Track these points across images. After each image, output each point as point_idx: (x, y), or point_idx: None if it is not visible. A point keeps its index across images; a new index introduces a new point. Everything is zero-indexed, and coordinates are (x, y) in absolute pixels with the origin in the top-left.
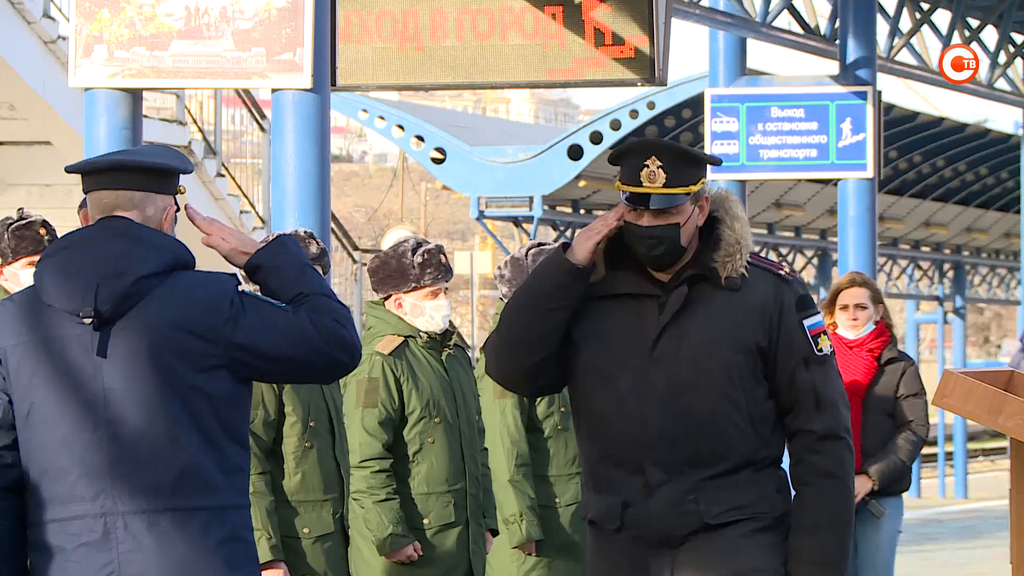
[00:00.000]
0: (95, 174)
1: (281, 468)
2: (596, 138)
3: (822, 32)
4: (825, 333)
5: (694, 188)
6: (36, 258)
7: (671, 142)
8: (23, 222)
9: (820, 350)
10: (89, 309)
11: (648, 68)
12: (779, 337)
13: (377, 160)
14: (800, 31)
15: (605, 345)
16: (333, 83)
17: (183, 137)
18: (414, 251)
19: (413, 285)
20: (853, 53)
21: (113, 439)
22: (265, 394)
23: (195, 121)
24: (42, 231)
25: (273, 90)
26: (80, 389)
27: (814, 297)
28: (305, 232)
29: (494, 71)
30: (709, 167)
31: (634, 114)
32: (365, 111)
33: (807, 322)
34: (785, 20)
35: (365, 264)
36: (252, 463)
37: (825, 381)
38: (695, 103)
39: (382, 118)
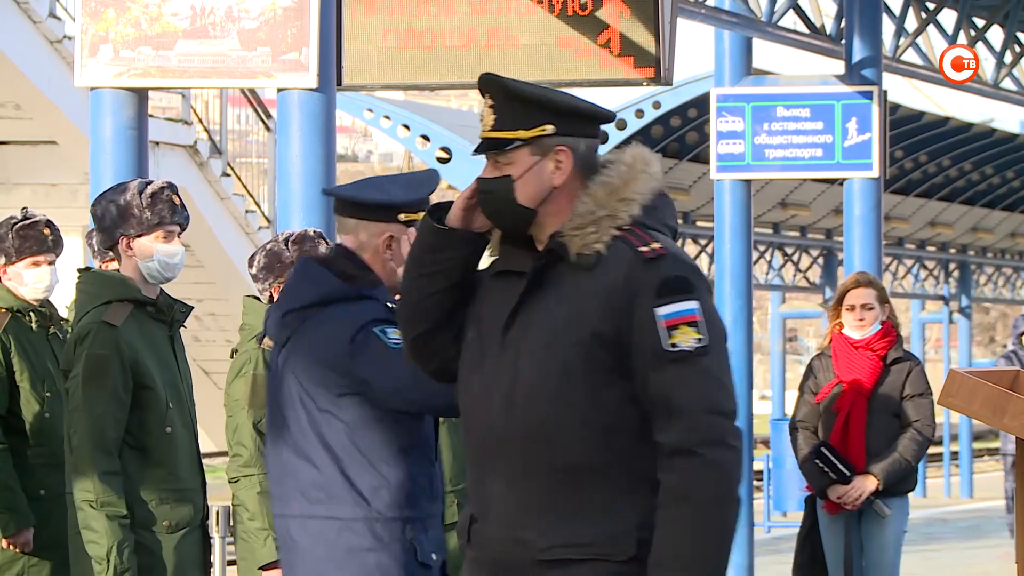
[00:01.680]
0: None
1: None
2: (601, 137)
3: (828, 32)
4: (693, 324)
5: (526, 133)
6: (40, 258)
7: (509, 79)
8: (27, 222)
9: (674, 345)
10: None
11: (654, 68)
12: (631, 328)
13: (383, 160)
14: (806, 31)
15: (477, 331)
16: (339, 82)
17: (189, 137)
18: None
19: None
20: (859, 53)
21: (277, 450)
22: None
23: (201, 120)
24: (46, 231)
25: (279, 89)
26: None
27: (819, 297)
28: (315, 232)
29: (500, 70)
30: (569, 116)
31: (639, 114)
32: (370, 110)
33: (662, 311)
34: (791, 20)
35: None
36: (259, 462)
37: (681, 384)
38: (701, 103)
39: (387, 117)
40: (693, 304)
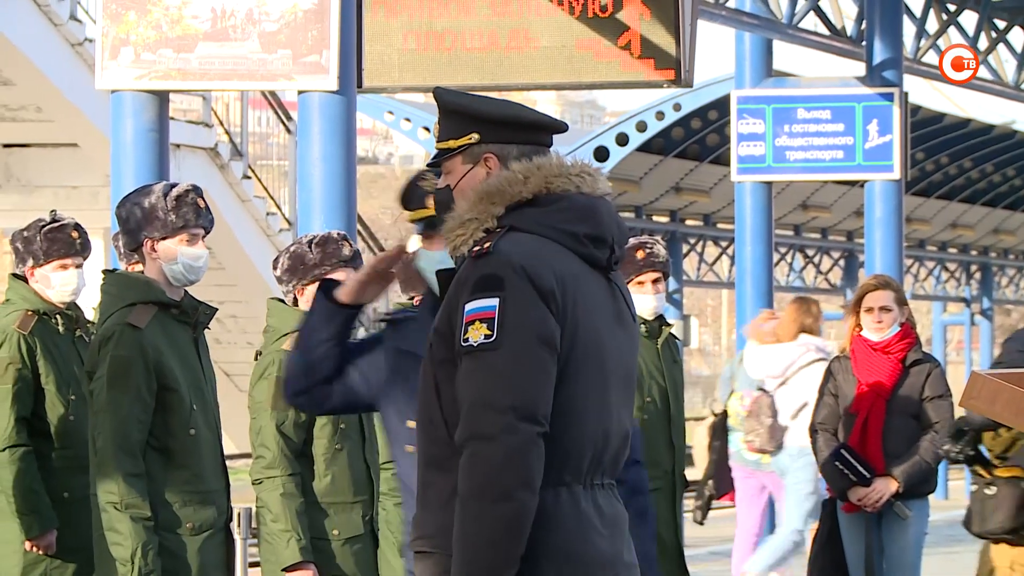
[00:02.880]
0: None
1: (311, 470)
2: (622, 140)
3: (848, 33)
4: (486, 321)
5: (455, 143)
6: (67, 261)
7: (449, 92)
8: (56, 224)
9: (466, 340)
10: None
11: (674, 69)
12: (457, 323)
13: (403, 162)
14: (826, 32)
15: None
16: (359, 85)
17: (209, 139)
18: None
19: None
20: (879, 54)
21: None
22: None
23: (221, 123)
24: (74, 234)
25: (299, 92)
26: None
27: (840, 299)
28: (338, 234)
29: (520, 72)
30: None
31: (660, 116)
32: (391, 113)
33: (467, 306)
34: (811, 21)
35: None
36: (283, 464)
37: (464, 378)
38: (721, 104)
39: (408, 120)
40: (493, 301)
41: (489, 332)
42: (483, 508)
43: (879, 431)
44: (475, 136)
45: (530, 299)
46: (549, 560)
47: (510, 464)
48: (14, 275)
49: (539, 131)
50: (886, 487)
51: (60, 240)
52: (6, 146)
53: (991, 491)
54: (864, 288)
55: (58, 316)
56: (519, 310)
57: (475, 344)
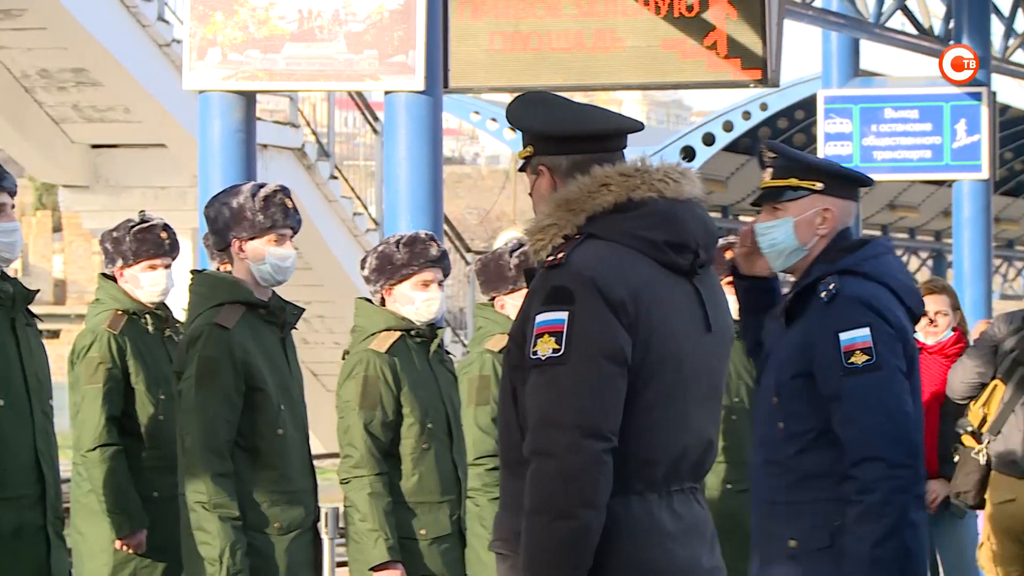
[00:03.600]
0: None
1: (399, 469)
2: (708, 139)
3: (936, 33)
4: (554, 335)
5: (521, 153)
6: (156, 261)
7: (519, 106)
8: (145, 225)
9: (534, 353)
10: None
11: (760, 69)
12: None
13: (489, 162)
14: (914, 32)
15: None
16: (445, 85)
17: (296, 140)
18: (511, 253)
19: (511, 287)
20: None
21: None
22: (383, 395)
23: (308, 123)
24: (163, 235)
25: (386, 92)
26: None
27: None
28: (426, 234)
29: (607, 73)
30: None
31: (746, 115)
32: (477, 113)
33: (538, 318)
34: (898, 21)
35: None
36: (370, 464)
37: (532, 392)
38: (808, 104)
39: (494, 120)
40: (562, 315)
41: (557, 346)
42: (545, 525)
43: (934, 433)
44: (531, 149)
45: (599, 313)
46: (619, 569)
47: (572, 482)
48: (104, 275)
49: (597, 140)
50: (941, 488)
51: (149, 240)
52: (95, 147)
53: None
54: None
55: (147, 316)
56: (587, 324)
57: (543, 358)
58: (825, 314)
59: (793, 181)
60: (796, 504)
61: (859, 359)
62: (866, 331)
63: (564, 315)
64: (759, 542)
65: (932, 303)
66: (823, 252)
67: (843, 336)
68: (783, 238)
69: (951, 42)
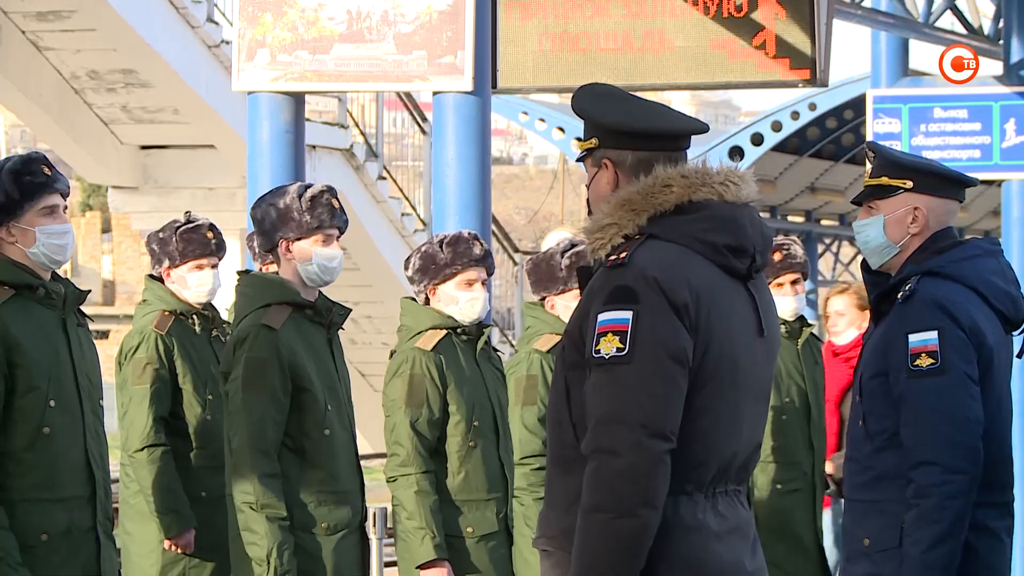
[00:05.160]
0: None
1: (445, 467)
2: (757, 139)
3: (985, 32)
4: (619, 334)
5: (583, 146)
6: (203, 261)
7: (584, 91)
8: (191, 225)
9: (597, 351)
10: None
11: (809, 69)
12: (587, 331)
13: (537, 162)
14: (963, 31)
15: None
16: (494, 86)
17: (345, 140)
18: (563, 254)
19: (562, 288)
20: (1017, 53)
21: None
22: (430, 393)
23: (357, 124)
24: (209, 234)
25: (434, 93)
26: None
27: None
28: (470, 234)
29: (655, 73)
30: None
31: (795, 115)
32: (526, 113)
33: (600, 317)
34: (948, 20)
35: (524, 266)
36: (416, 462)
37: (594, 389)
38: (857, 104)
39: (543, 120)
40: (626, 314)
41: (621, 346)
42: (604, 523)
43: (835, 434)
44: (595, 141)
45: (663, 313)
46: (666, 568)
47: (635, 482)
48: (151, 276)
49: (664, 138)
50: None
51: (196, 241)
52: (144, 148)
53: None
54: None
55: (195, 316)
56: (651, 324)
57: (606, 357)
58: (900, 315)
59: (884, 180)
60: (870, 503)
61: (924, 362)
62: (934, 334)
63: (628, 314)
64: (845, 538)
65: (833, 303)
66: (916, 251)
67: (912, 338)
68: (874, 236)
69: (1001, 41)
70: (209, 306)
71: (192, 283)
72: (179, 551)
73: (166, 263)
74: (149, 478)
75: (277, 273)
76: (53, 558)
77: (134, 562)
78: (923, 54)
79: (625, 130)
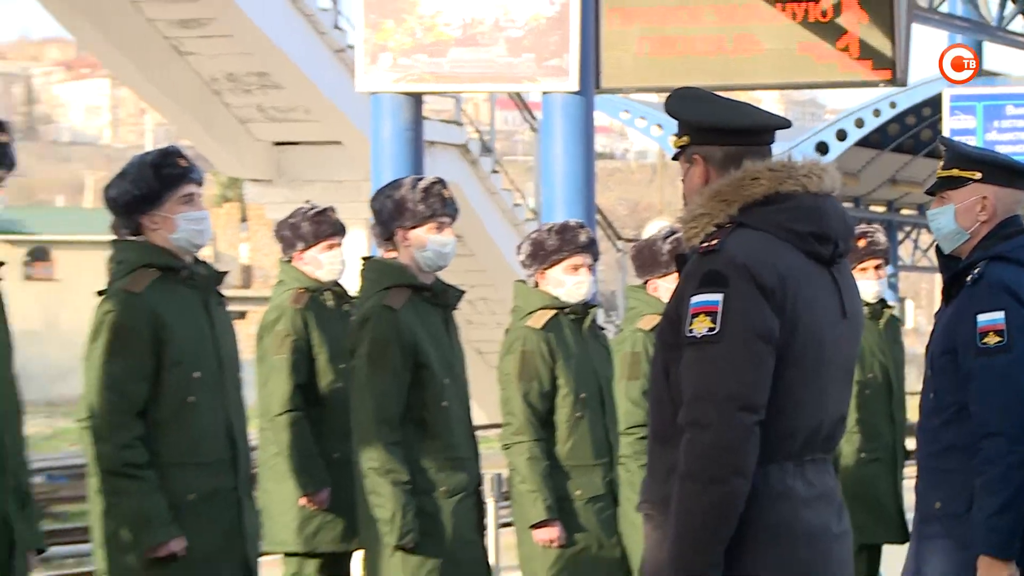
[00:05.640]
0: None
1: (555, 436)
2: (841, 135)
3: None
4: (710, 315)
5: (677, 143)
6: (334, 240)
7: (676, 99)
8: (318, 210)
9: (691, 331)
10: None
11: (890, 70)
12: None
13: (638, 157)
14: None
15: None
16: (597, 86)
17: (461, 137)
18: (664, 240)
19: (663, 271)
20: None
21: None
22: (540, 368)
23: (471, 122)
24: (334, 217)
25: (543, 93)
26: None
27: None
28: (576, 223)
29: (747, 74)
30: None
31: (876, 113)
32: (627, 112)
33: (693, 299)
34: (1019, 24)
35: (626, 252)
36: (529, 431)
37: (688, 367)
38: (934, 102)
39: (643, 118)
40: (717, 297)
41: (712, 325)
42: (697, 490)
43: None
44: (687, 139)
45: (751, 296)
46: (756, 532)
47: (726, 452)
48: (284, 260)
49: (749, 134)
50: None
51: (326, 223)
52: (277, 144)
53: None
54: None
55: (327, 293)
56: (740, 306)
57: (699, 336)
58: (970, 296)
59: (955, 171)
60: (941, 471)
61: (992, 340)
62: (1001, 314)
63: (719, 297)
64: (918, 500)
65: None
66: (985, 238)
67: (980, 318)
68: (946, 223)
69: None
70: (337, 284)
71: (325, 262)
72: (315, 508)
73: (300, 245)
74: (287, 441)
75: (396, 259)
76: (199, 517)
77: (274, 518)
78: (996, 55)
79: (713, 128)
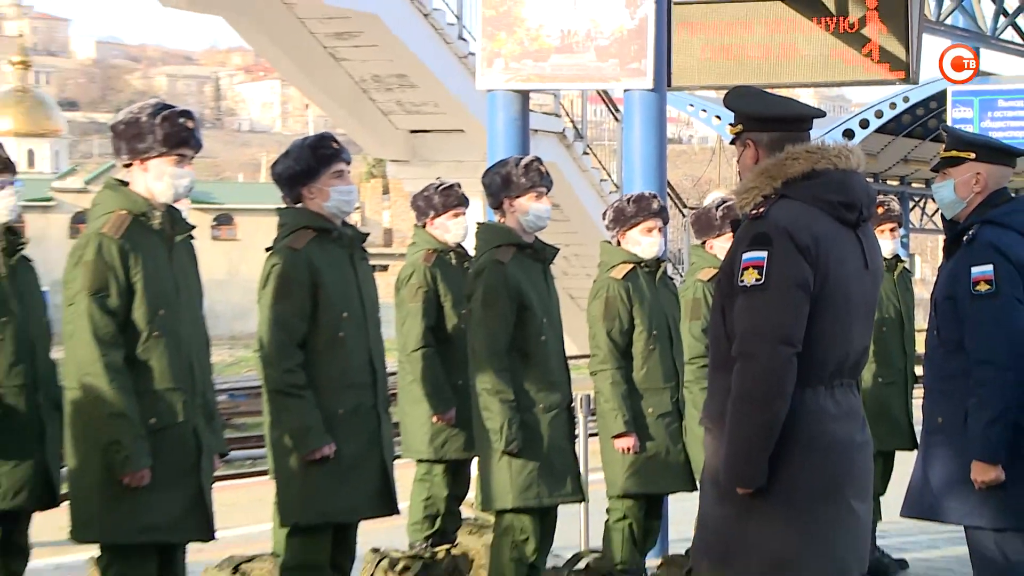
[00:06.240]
0: None
1: (631, 364)
2: (864, 124)
3: None
4: (758, 268)
5: (732, 131)
6: (459, 210)
7: (734, 94)
8: (447, 184)
9: (742, 281)
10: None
11: (904, 71)
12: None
13: (700, 142)
14: (1021, 42)
15: None
16: (668, 84)
17: (558, 126)
18: (717, 207)
19: (717, 233)
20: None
21: None
22: (620, 310)
23: (567, 114)
24: (459, 190)
25: (625, 90)
26: None
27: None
28: (650, 193)
29: (788, 74)
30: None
31: (892, 105)
32: (692, 105)
33: (744, 256)
34: (1010, 33)
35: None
36: (611, 360)
37: (739, 310)
38: (939, 96)
39: (704, 111)
40: (763, 254)
41: (759, 277)
42: (747, 408)
43: None
44: (741, 127)
45: (790, 253)
46: (794, 443)
47: (769, 378)
48: (418, 225)
49: (791, 122)
50: None
51: (452, 195)
52: (412, 132)
53: None
54: None
55: (451, 253)
56: (782, 261)
57: (748, 285)
58: (966, 252)
59: (954, 153)
60: (943, 392)
61: (983, 288)
62: (990, 267)
63: (764, 254)
64: (924, 416)
65: None
66: (979, 205)
67: (974, 270)
68: (947, 194)
69: None
70: (460, 246)
71: (451, 228)
72: (442, 424)
73: (431, 214)
74: (420, 371)
75: (504, 223)
76: (347, 427)
77: (410, 432)
78: (991, 59)
79: (762, 118)
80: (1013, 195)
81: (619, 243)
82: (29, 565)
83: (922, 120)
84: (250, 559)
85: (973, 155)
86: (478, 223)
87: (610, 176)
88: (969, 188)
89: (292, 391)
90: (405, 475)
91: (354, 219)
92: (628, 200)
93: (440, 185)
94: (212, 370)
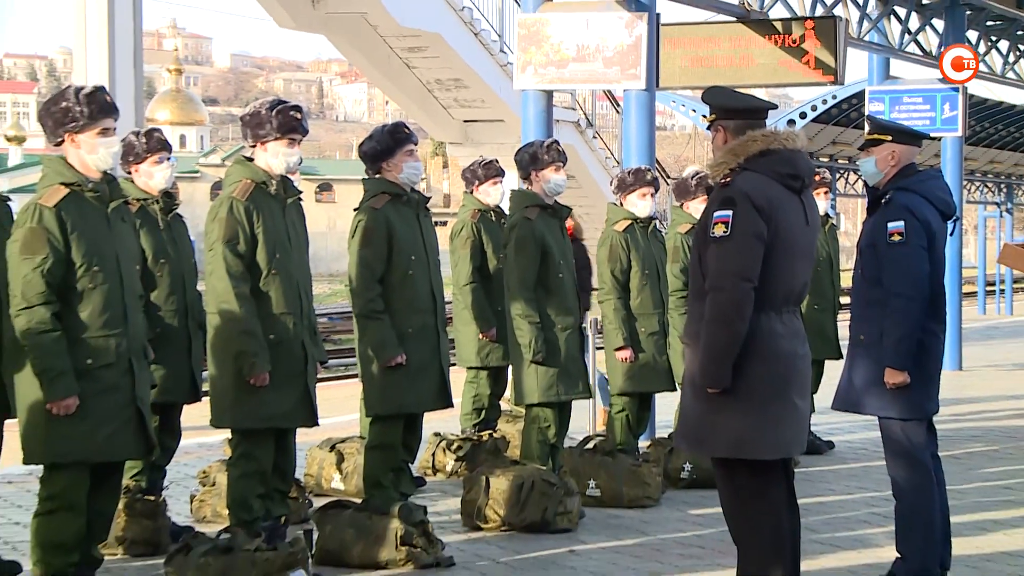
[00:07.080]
0: None
1: (629, 295)
2: (803, 115)
3: (933, 54)
4: (724, 223)
5: (707, 120)
6: (497, 179)
7: (710, 92)
8: (487, 160)
9: (713, 234)
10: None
11: (833, 75)
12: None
13: (680, 129)
14: (920, 53)
15: None
16: (657, 85)
17: (574, 117)
18: (692, 177)
19: (691, 196)
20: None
21: None
22: (621, 255)
23: (581, 107)
24: (498, 165)
25: (624, 90)
26: None
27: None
28: (644, 168)
29: (748, 77)
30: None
31: (824, 101)
32: (674, 101)
33: (715, 213)
34: (912, 48)
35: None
36: (614, 292)
37: (711, 255)
38: (860, 95)
39: (683, 105)
40: (728, 212)
41: (726, 230)
42: (717, 328)
43: None
44: (714, 116)
45: (750, 212)
46: (752, 354)
47: (733, 305)
48: (466, 192)
49: (752, 113)
50: None
51: (493, 168)
52: (466, 121)
53: None
54: None
55: (492, 212)
56: (744, 218)
57: (718, 236)
58: (884, 211)
59: (875, 136)
60: (865, 316)
61: (896, 238)
62: (902, 223)
63: (730, 212)
64: (850, 333)
65: None
66: (894, 176)
67: (889, 224)
68: (869, 168)
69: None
70: (499, 207)
71: (492, 193)
72: (487, 339)
73: (476, 183)
74: (470, 300)
75: (531, 190)
76: (414, 342)
77: (462, 346)
78: (898, 67)
79: (730, 109)
80: (920, 169)
81: (621, 204)
82: (180, 444)
83: (846, 112)
84: (344, 440)
85: (890, 137)
86: (512, 189)
87: (613, 155)
88: (887, 163)
89: (373, 315)
90: (458, 378)
91: (421, 187)
92: (628, 172)
93: (483, 161)
94: (313, 299)
